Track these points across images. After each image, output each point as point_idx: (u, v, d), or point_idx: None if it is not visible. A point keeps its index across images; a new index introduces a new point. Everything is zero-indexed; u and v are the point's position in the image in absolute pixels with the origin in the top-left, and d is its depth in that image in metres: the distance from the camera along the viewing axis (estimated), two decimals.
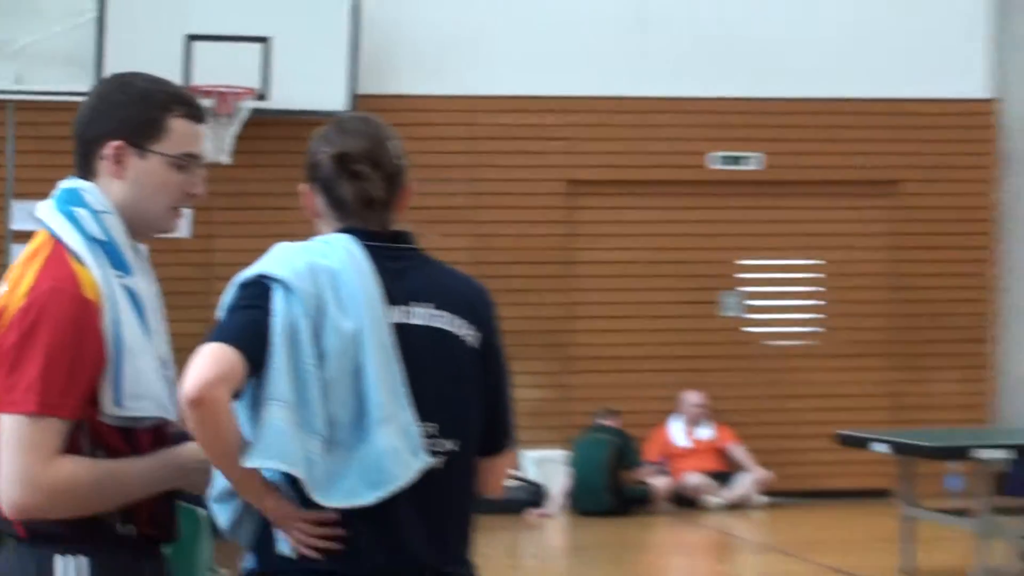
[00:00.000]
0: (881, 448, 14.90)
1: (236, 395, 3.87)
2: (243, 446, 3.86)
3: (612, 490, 18.55)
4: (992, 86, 20.18)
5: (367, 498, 3.92)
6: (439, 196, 18.68)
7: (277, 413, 3.86)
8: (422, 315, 4.09)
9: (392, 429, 3.94)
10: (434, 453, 4.03)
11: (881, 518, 16.16)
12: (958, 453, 14.51)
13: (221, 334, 3.88)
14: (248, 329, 3.90)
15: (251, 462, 3.87)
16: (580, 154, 19.69)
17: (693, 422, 19.43)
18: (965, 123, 20.13)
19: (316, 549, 3.94)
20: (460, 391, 4.17)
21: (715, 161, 19.98)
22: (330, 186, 4.20)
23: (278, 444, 3.85)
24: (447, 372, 4.13)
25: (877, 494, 18.13)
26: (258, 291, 3.97)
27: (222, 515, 4.06)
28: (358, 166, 4.16)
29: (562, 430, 19.18)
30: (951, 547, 14.62)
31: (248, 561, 4.10)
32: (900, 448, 14.69)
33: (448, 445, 4.09)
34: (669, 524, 18.35)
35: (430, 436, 4.03)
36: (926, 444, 14.78)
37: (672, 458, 19.30)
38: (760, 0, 19.75)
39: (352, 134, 4.22)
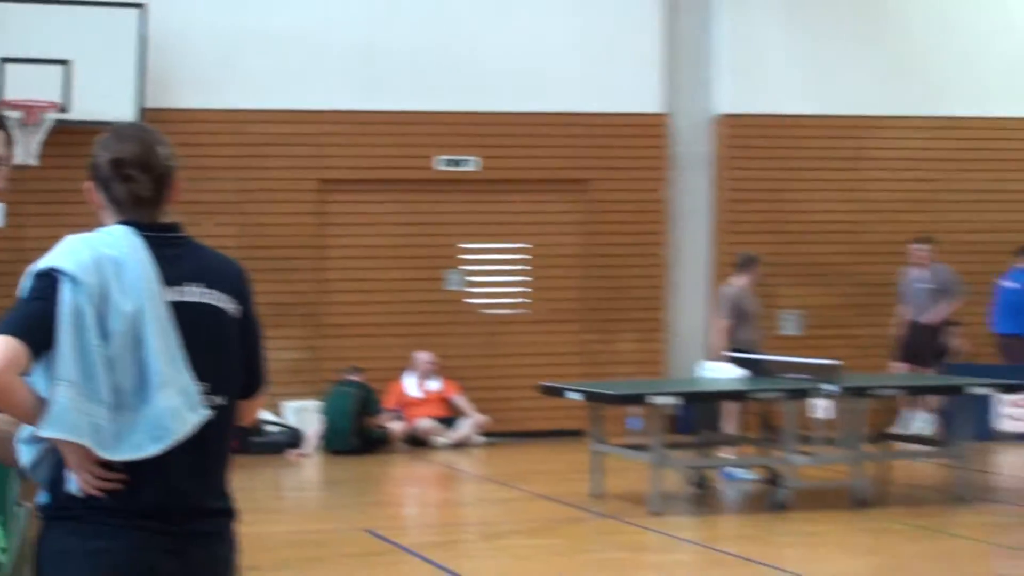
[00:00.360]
0: (575, 396, 15.09)
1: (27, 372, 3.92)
2: (41, 410, 3.90)
3: (357, 433, 18.56)
4: (663, 103, 20.48)
5: (151, 450, 3.95)
6: (213, 192, 18.69)
7: (63, 392, 3.89)
8: (194, 293, 4.12)
9: (172, 391, 3.98)
10: (209, 407, 4.07)
11: (576, 453, 16.32)
12: (637, 399, 14.65)
13: (9, 325, 3.90)
14: (33, 320, 3.92)
15: (43, 433, 3.92)
16: (329, 157, 19.64)
17: (424, 376, 19.48)
18: (642, 133, 20.37)
19: (100, 489, 3.97)
20: (226, 354, 4.21)
21: (440, 163, 19.99)
22: (107, 186, 4.21)
23: (64, 419, 3.88)
24: (216, 340, 4.17)
25: (572, 434, 18.30)
26: (48, 283, 3.97)
27: (26, 455, 4.08)
28: (129, 170, 4.17)
29: (315, 384, 19.15)
30: (632, 476, 14.75)
31: (42, 497, 4.12)
32: (590, 396, 14.92)
33: (218, 400, 4.13)
34: (404, 461, 18.39)
35: (204, 394, 4.06)
36: (611, 392, 14.99)
37: (406, 406, 19.32)
38: (479, 30, 19.76)
39: (127, 140, 4.22)
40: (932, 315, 19.23)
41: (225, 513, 4.25)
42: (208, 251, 4.30)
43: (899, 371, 18.60)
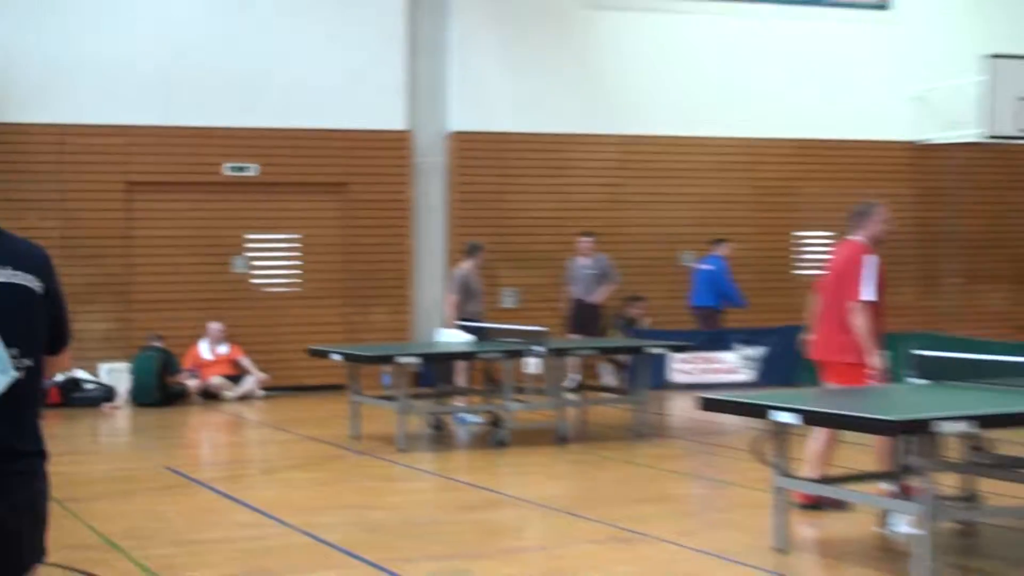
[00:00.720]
0: (337, 357, 15.08)
1: None
2: None
3: (160, 389, 18.30)
4: (406, 122, 20.52)
5: None
6: (38, 192, 18.62)
7: None
8: (4, 275, 4.03)
9: None
10: (18, 369, 4.00)
11: (338, 404, 16.31)
12: (387, 359, 14.68)
13: None
14: None
15: None
16: (135, 164, 19.33)
17: (215, 342, 19.28)
18: (390, 146, 20.36)
19: None
20: (33, 324, 4.11)
21: (227, 169, 19.77)
22: None
23: None
24: (24, 312, 4.07)
25: (335, 388, 18.27)
26: None
27: None
28: None
29: (125, 349, 18.83)
30: (383, 421, 14.87)
31: None
32: (349, 357, 14.92)
33: (27, 362, 4.04)
34: (199, 412, 18.14)
35: (14, 357, 3.99)
36: (366, 354, 14.99)
37: (201, 367, 19.11)
38: (259, 60, 19.61)
39: None
40: (595, 295, 19.63)
41: (39, 454, 4.16)
42: (18, 240, 4.20)
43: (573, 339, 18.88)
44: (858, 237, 10.35)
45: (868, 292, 10.05)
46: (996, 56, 21.46)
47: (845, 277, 10.17)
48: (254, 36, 19.83)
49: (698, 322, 20.65)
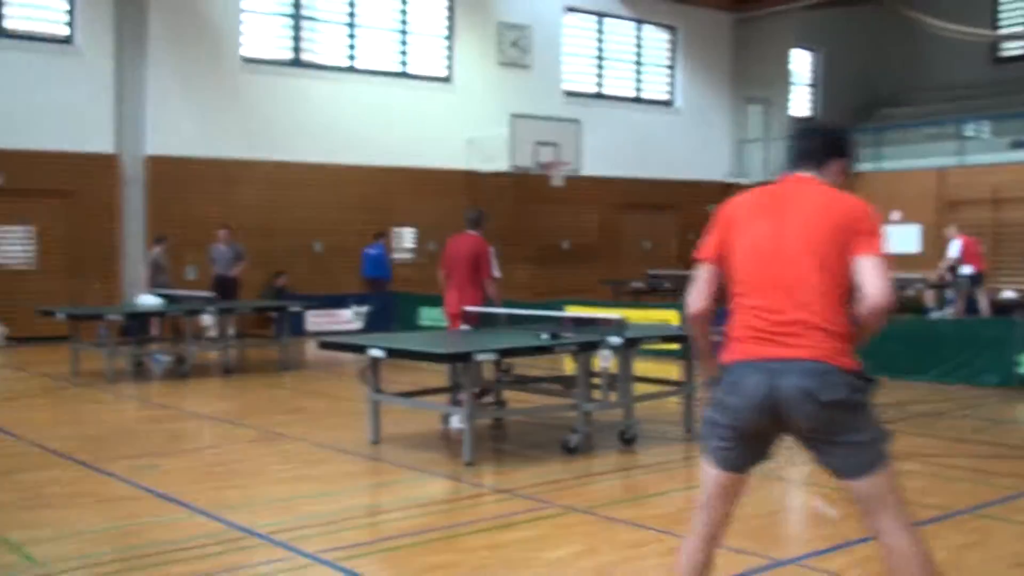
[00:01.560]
0: (61, 316, 13.95)
1: None
2: None
3: None
4: (116, 147, 19.25)
5: None
6: None
7: None
8: None
9: None
10: None
11: (63, 350, 15.20)
12: (99, 317, 13.79)
13: None
14: None
15: None
16: None
17: None
18: (105, 164, 18.99)
19: None
20: None
21: None
22: None
23: None
24: None
25: (63, 338, 17.00)
26: None
27: None
28: None
29: None
30: (97, 361, 14.02)
31: None
32: (71, 315, 13.88)
33: None
34: None
35: None
36: (82, 313, 13.98)
37: None
38: (11, 94, 18.04)
39: None
40: (233, 271, 18.69)
41: None
42: None
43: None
44: (475, 232, 10.53)
45: (497, 271, 10.47)
46: (516, 115, 22.32)
47: (475, 260, 10.29)
48: (3, 79, 18.16)
49: (369, 288, 20.59)
